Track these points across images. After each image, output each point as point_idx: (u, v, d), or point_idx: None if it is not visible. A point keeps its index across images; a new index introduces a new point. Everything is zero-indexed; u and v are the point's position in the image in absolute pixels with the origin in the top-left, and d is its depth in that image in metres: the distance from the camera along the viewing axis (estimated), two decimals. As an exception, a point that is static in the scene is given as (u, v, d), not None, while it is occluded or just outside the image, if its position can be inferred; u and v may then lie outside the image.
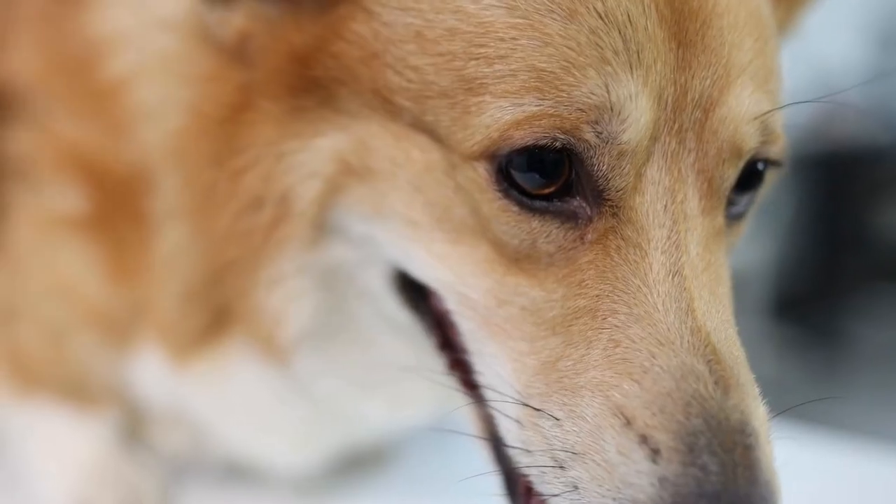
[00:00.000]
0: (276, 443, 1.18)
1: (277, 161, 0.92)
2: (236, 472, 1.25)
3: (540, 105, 0.78)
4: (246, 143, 0.93)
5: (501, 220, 0.82)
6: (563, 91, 0.78)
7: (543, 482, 0.79)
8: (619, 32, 0.79)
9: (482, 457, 0.94)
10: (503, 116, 0.79)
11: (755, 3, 0.90)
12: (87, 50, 1.05)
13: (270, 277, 0.96)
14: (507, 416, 0.83)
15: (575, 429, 0.77)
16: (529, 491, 0.84)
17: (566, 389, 0.78)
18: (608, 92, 0.78)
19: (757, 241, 4.74)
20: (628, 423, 0.74)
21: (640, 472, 0.73)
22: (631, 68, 0.79)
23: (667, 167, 0.81)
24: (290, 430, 1.16)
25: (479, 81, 0.80)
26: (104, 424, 1.23)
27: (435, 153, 0.84)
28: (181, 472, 1.27)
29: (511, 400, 0.82)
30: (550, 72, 0.78)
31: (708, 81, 0.82)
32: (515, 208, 0.81)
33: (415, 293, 0.95)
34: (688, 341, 0.76)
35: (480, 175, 0.82)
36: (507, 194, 0.81)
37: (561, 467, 0.77)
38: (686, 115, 0.81)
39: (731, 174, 0.85)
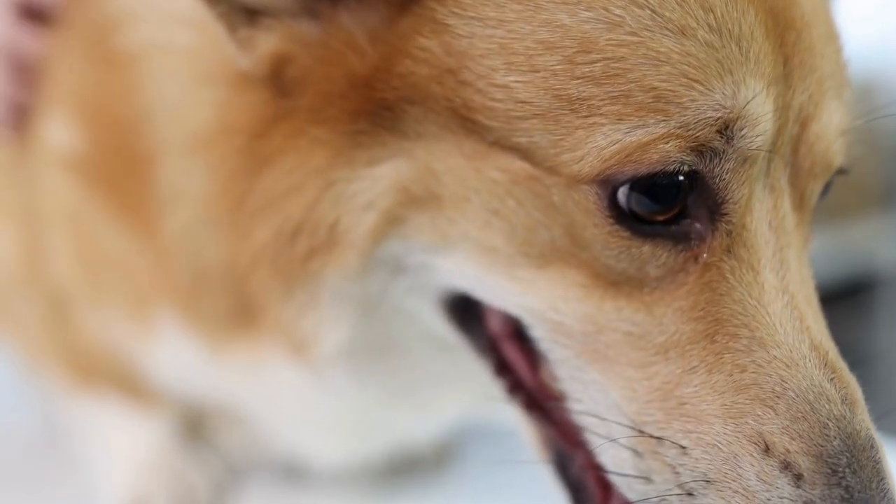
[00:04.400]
0: (313, 440, 1.13)
1: (325, 189, 0.84)
2: (295, 474, 1.22)
3: (665, 125, 0.73)
4: (288, 166, 0.86)
5: (609, 244, 0.77)
6: (688, 108, 0.73)
7: None
8: (737, 44, 0.75)
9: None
10: (623, 139, 0.73)
11: (830, 11, 0.89)
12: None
13: (304, 302, 0.90)
14: (618, 444, 0.79)
15: (706, 457, 0.75)
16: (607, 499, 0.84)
17: (689, 416, 0.76)
18: (737, 99, 0.74)
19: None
20: (767, 449, 0.73)
21: (783, 499, 0.72)
22: (754, 76, 0.76)
23: (770, 184, 0.80)
24: (325, 429, 1.11)
25: (585, 102, 0.74)
26: (161, 421, 1.22)
27: (521, 173, 0.78)
28: (240, 471, 1.25)
29: (620, 427, 0.79)
30: (671, 90, 0.73)
31: (805, 95, 0.80)
32: (626, 233, 0.77)
33: (468, 316, 0.91)
34: (810, 361, 0.76)
35: (589, 199, 0.76)
36: (619, 220, 0.76)
37: (690, 494, 0.75)
38: (787, 129, 0.79)
39: (819, 188, 0.84)
